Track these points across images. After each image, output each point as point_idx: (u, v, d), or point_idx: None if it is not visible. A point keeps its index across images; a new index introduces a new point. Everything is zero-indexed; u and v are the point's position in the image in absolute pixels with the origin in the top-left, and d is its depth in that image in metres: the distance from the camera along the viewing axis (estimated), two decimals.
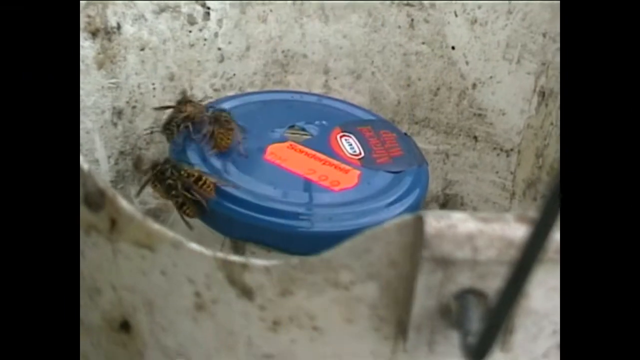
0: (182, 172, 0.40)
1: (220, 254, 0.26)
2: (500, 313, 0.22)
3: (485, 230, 0.24)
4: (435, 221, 0.24)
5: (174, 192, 0.40)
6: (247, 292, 0.26)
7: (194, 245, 0.26)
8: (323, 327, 0.27)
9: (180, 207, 0.40)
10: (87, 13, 0.46)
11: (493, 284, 0.25)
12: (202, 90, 0.52)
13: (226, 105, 0.46)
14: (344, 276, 0.26)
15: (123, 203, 0.27)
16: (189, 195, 0.40)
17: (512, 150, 0.54)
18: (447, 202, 0.56)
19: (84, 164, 0.27)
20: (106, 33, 0.47)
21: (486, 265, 0.24)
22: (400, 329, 0.26)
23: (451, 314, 0.25)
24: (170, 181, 0.40)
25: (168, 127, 0.44)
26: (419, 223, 0.24)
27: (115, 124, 0.49)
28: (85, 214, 0.27)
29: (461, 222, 0.24)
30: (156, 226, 0.26)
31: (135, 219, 0.27)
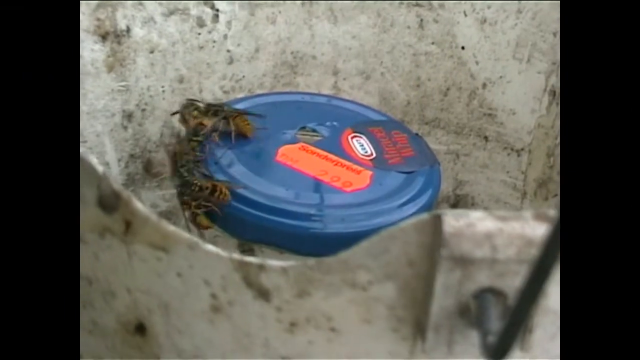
0: (194, 188, 0.40)
1: (236, 256, 0.26)
2: (521, 312, 0.22)
3: (504, 229, 0.24)
4: (454, 220, 0.24)
5: (185, 207, 0.40)
6: (263, 294, 0.26)
7: (210, 247, 0.26)
8: (340, 328, 0.27)
9: (193, 219, 0.40)
10: (96, 16, 0.46)
11: (512, 283, 0.24)
12: (212, 92, 0.52)
13: (238, 107, 0.46)
14: (361, 276, 0.25)
15: (138, 205, 0.26)
16: (201, 209, 0.40)
17: (522, 149, 0.54)
18: (458, 203, 0.56)
19: (99, 166, 0.26)
20: (116, 36, 0.47)
21: (505, 264, 0.24)
22: (419, 329, 0.26)
23: (470, 313, 0.25)
24: (184, 197, 0.40)
25: (195, 138, 0.43)
26: (437, 222, 0.24)
27: (125, 127, 0.49)
28: (99, 216, 0.27)
29: (480, 220, 0.24)
30: (171, 228, 0.26)
31: (150, 220, 0.26)
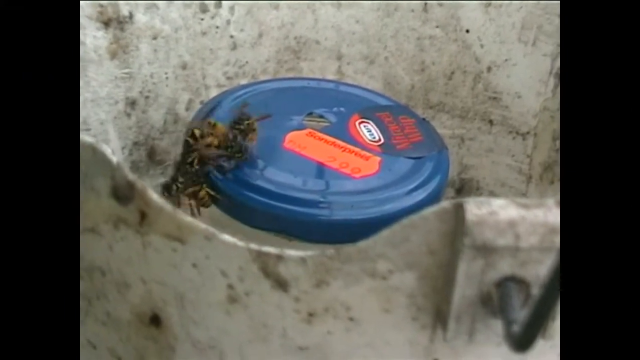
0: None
1: (254, 246, 0.26)
2: (547, 302, 0.22)
3: (527, 217, 0.24)
4: (476, 208, 0.24)
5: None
6: (281, 284, 0.26)
7: (227, 237, 0.26)
8: (359, 318, 0.27)
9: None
10: (99, 3, 0.46)
11: (535, 271, 0.24)
12: (215, 78, 0.51)
13: (241, 93, 0.46)
14: (381, 265, 0.25)
15: (153, 195, 0.26)
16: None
17: (528, 133, 0.53)
18: (463, 187, 0.56)
19: (113, 156, 0.26)
20: (118, 22, 0.47)
21: (528, 252, 0.24)
22: (439, 318, 0.26)
23: (492, 302, 0.25)
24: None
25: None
26: (459, 210, 0.24)
27: (128, 115, 0.49)
28: (114, 207, 0.27)
29: (502, 208, 0.24)
30: (187, 218, 0.26)
31: (165, 211, 0.26)
